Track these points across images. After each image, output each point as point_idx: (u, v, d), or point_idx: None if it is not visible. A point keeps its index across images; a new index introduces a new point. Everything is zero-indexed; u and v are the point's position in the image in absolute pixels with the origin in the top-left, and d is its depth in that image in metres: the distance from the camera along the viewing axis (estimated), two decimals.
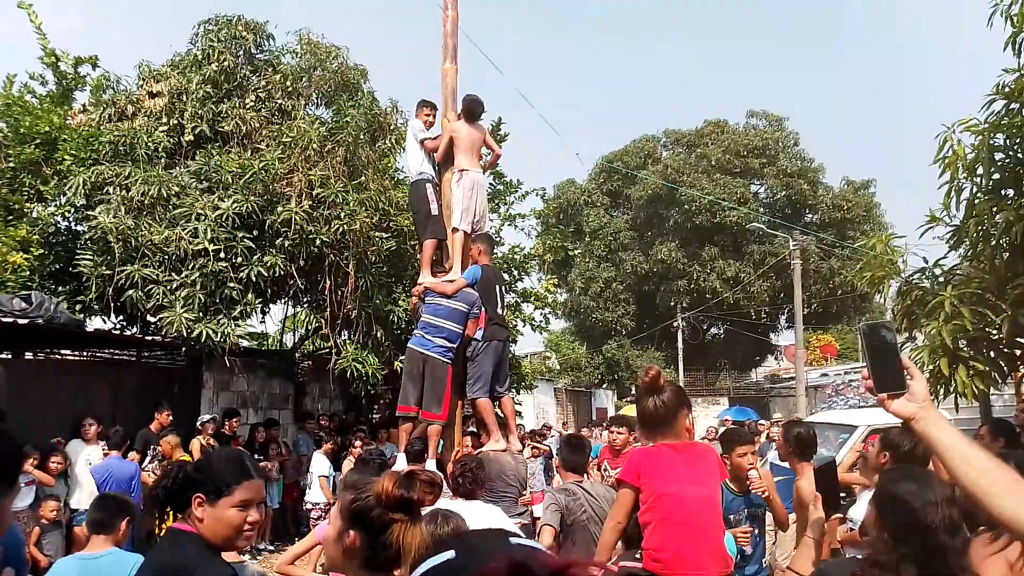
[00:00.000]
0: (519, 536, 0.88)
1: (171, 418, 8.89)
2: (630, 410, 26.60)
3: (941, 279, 6.84)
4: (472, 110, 6.92)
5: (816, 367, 33.61)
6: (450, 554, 0.84)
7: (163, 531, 2.23)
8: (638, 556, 2.97)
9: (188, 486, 2.18)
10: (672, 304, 33.08)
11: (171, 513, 2.26)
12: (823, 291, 31.85)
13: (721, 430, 12.04)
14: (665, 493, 2.98)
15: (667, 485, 2.99)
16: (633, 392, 34.92)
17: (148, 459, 8.28)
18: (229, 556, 2.44)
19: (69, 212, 10.38)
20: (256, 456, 9.76)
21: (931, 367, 6.34)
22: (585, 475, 5.05)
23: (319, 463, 9.99)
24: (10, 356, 9.21)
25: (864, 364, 1.71)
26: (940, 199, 6.71)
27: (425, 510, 1.96)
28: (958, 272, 6.88)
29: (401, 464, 6.14)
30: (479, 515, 4.15)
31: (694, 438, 3.26)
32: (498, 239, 14.01)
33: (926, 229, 6.93)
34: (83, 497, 7.59)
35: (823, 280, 31.65)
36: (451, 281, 6.51)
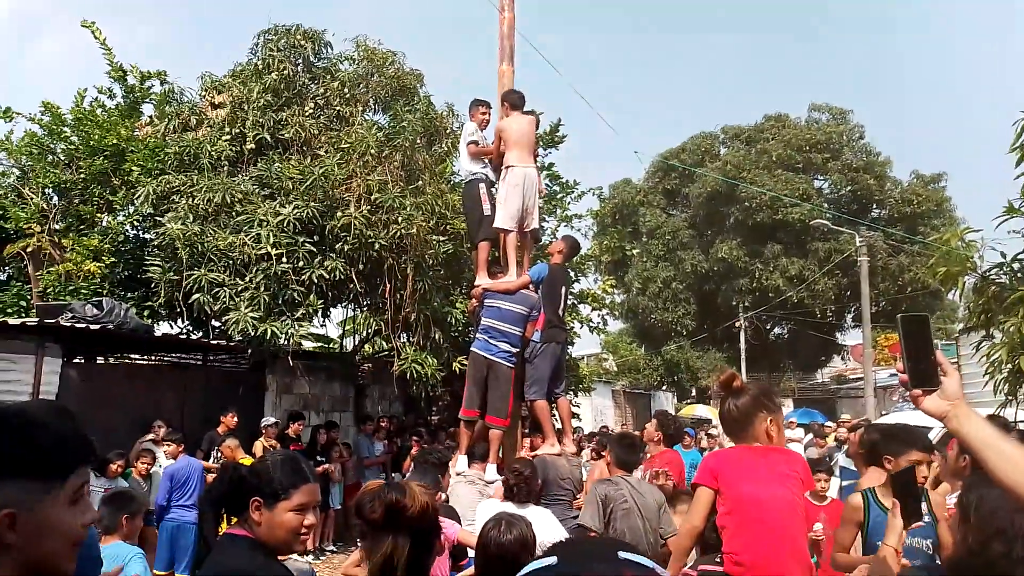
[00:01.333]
0: (630, 550, 0.84)
1: (236, 420, 9.08)
2: (690, 411, 26.27)
3: (1020, 274, 6.52)
4: (515, 103, 6.84)
5: (884, 367, 32.60)
6: (552, 560, 0.84)
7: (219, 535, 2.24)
8: (718, 560, 2.89)
9: (244, 490, 2.18)
10: (734, 304, 32.50)
11: (226, 516, 2.27)
12: (891, 288, 30.88)
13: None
14: (744, 495, 2.90)
15: (745, 486, 2.91)
16: (693, 394, 34.49)
17: (212, 461, 8.48)
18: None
19: (138, 221, 10.71)
20: (319, 458, 9.93)
21: (1011, 365, 6.06)
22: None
23: None
24: (83, 360, 9.54)
25: (901, 358, 1.70)
26: (1017, 190, 6.42)
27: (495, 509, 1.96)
28: None
29: (462, 466, 6.15)
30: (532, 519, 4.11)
31: (777, 442, 3.10)
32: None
33: (1002, 221, 6.62)
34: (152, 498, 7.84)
35: (891, 277, 30.70)
36: (510, 280, 6.46)
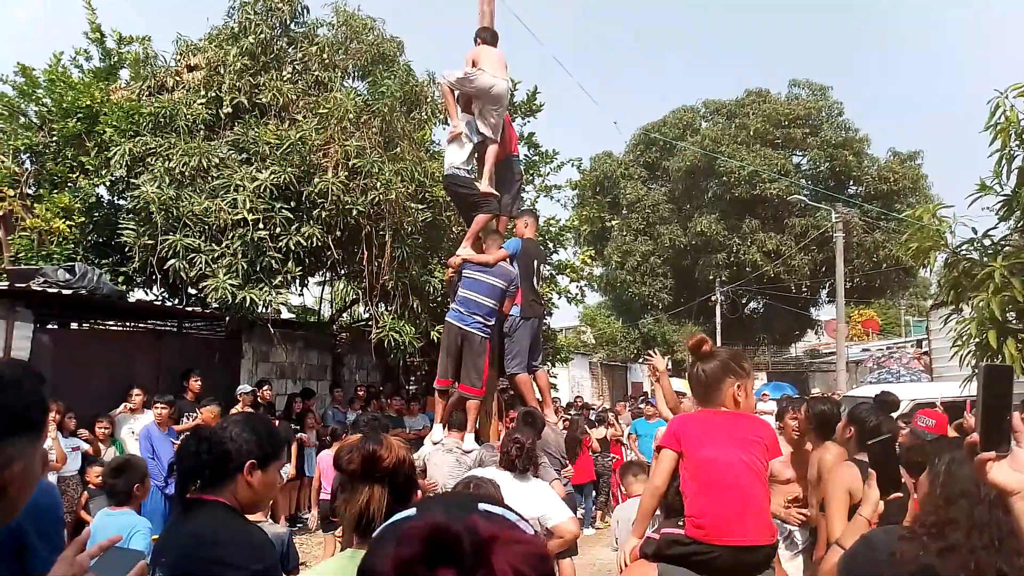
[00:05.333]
0: (492, 503, 0.85)
1: (199, 383, 9.04)
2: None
3: (990, 250, 6.63)
4: (488, 39, 6.80)
5: (857, 342, 33.07)
6: (411, 512, 0.85)
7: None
8: (680, 523, 2.90)
9: (232, 454, 2.16)
10: (711, 278, 32.69)
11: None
12: (866, 265, 31.20)
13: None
14: (705, 458, 2.90)
15: (707, 450, 2.91)
16: (669, 367, 34.70)
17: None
18: (255, 518, 2.46)
19: (110, 182, 10.53)
20: (293, 426, 9.94)
21: (979, 339, 6.18)
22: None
23: None
24: (56, 326, 9.43)
25: (977, 412, 1.50)
26: (990, 168, 6.50)
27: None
28: (1008, 243, 6.66)
29: (438, 435, 6.20)
30: (528, 491, 4.18)
31: (744, 408, 3.04)
32: (533, 210, 13.95)
33: (975, 199, 6.71)
34: None
35: (866, 253, 30.99)
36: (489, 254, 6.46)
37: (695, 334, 3.22)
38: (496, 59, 6.73)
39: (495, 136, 6.66)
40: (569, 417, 11.46)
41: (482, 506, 0.83)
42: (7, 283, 7.83)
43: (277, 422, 8.46)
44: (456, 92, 6.73)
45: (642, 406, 12.34)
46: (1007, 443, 1.43)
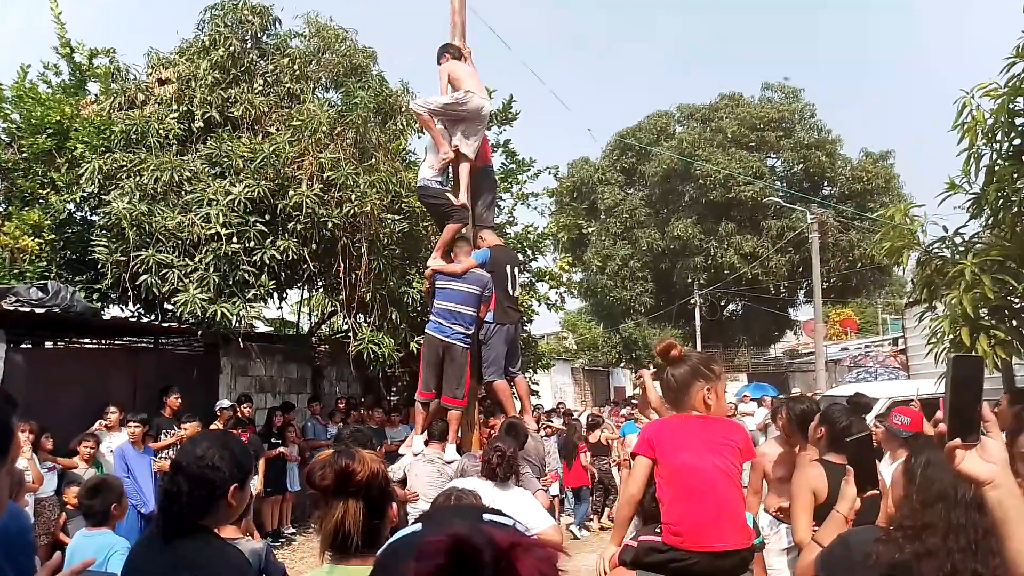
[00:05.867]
0: (496, 513, 0.86)
1: (179, 400, 8.95)
2: None
3: (961, 248, 6.70)
4: (456, 54, 6.83)
5: (836, 341, 33.35)
6: (417, 527, 0.85)
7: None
8: (658, 530, 2.90)
9: (217, 483, 2.14)
10: (689, 281, 32.88)
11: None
12: (842, 264, 31.53)
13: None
14: (680, 464, 2.90)
15: (681, 455, 2.91)
16: (650, 371, 34.80)
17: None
18: (229, 532, 2.47)
19: (81, 198, 10.40)
20: (274, 440, 9.86)
21: (952, 337, 6.24)
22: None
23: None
24: (30, 345, 9.28)
25: (944, 401, 1.48)
26: (960, 167, 6.57)
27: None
28: (979, 240, 6.74)
29: (418, 446, 6.18)
30: (510, 499, 4.20)
31: (716, 411, 3.05)
32: (511, 219, 13.96)
33: (945, 197, 6.78)
34: None
35: (842, 253, 31.32)
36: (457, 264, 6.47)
37: (664, 339, 3.23)
38: (476, 78, 6.77)
39: (473, 155, 6.67)
40: (551, 424, 11.48)
41: (487, 516, 0.84)
42: None
43: (246, 437, 8.40)
44: (436, 116, 6.70)
45: (624, 411, 12.39)
46: (977, 433, 1.43)
